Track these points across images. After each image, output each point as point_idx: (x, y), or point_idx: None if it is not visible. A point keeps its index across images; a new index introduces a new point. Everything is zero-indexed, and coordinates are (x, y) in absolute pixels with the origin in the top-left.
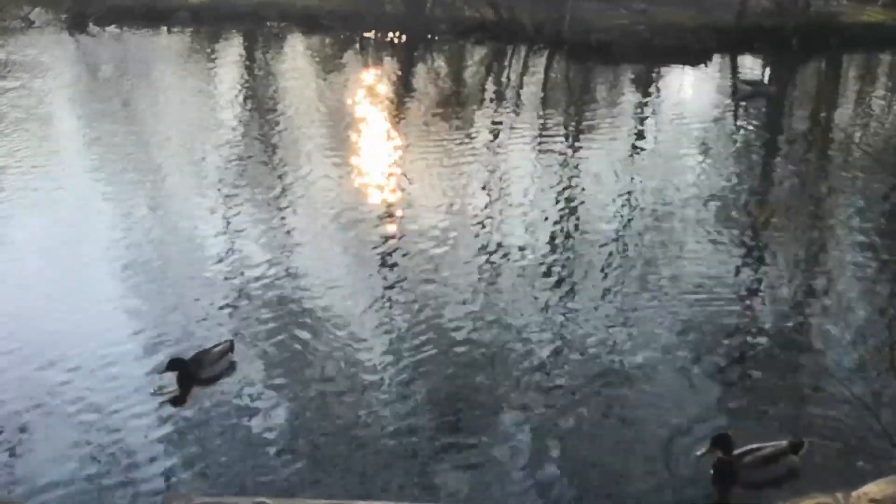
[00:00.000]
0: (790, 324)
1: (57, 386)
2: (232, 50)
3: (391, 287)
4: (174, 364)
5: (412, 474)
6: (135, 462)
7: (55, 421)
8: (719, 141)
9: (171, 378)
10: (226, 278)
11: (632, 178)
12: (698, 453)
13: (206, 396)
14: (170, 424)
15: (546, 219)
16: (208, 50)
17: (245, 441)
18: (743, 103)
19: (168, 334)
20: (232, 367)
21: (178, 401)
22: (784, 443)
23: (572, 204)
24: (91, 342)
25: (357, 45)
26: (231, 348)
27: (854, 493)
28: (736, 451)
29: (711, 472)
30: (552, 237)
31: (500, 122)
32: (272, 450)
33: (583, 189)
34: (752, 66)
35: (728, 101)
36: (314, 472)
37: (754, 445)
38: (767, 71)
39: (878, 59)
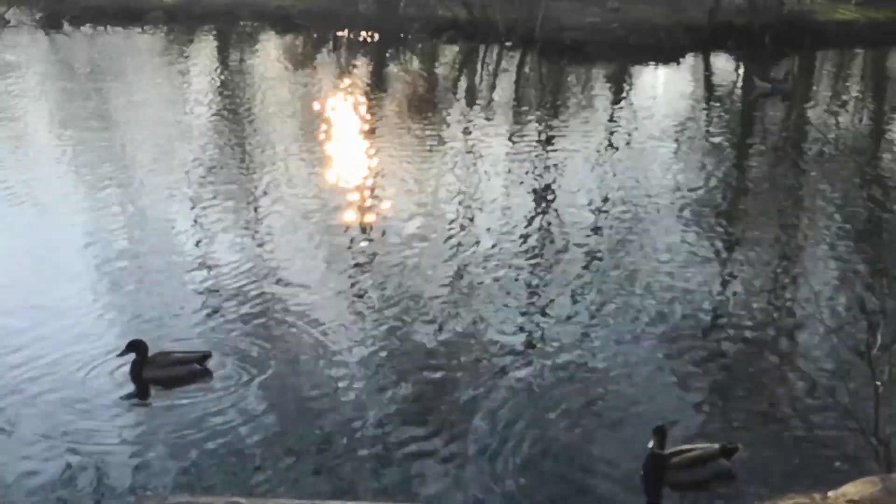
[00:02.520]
0: (765, 322)
1: (27, 385)
2: (205, 49)
3: (364, 286)
4: (132, 346)
5: (386, 475)
6: (107, 461)
7: (26, 420)
8: (692, 138)
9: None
10: (200, 279)
11: (605, 176)
12: (649, 446)
13: (181, 396)
14: (143, 424)
15: (519, 217)
16: (182, 49)
17: (219, 441)
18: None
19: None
20: (194, 375)
21: (133, 395)
22: (715, 446)
23: (545, 202)
24: (64, 343)
25: (330, 45)
26: (203, 359)
27: (832, 494)
28: (667, 451)
29: (642, 470)
30: (525, 235)
31: (473, 121)
32: (247, 451)
33: (556, 187)
34: (723, 64)
35: (700, 98)
36: (289, 473)
37: (685, 446)
38: (785, 68)
39: (851, 57)
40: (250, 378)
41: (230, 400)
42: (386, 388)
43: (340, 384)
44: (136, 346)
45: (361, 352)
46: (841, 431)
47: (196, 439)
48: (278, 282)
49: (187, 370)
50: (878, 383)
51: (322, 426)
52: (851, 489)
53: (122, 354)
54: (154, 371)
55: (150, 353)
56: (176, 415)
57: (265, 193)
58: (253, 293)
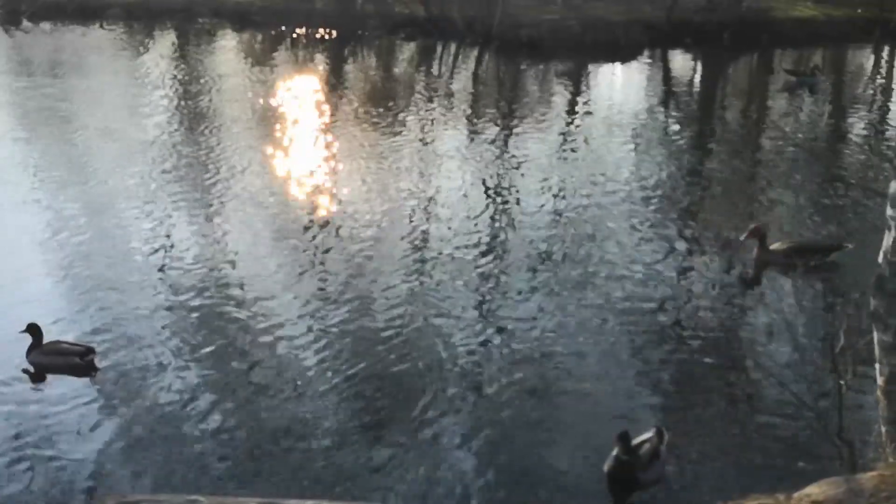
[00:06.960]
0: (726, 320)
1: None
2: (164, 46)
3: (321, 280)
4: (28, 328)
5: (342, 470)
6: (60, 456)
7: None
8: (650, 136)
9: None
10: (152, 270)
11: (562, 173)
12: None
13: (129, 389)
14: (92, 416)
15: (477, 213)
16: (141, 46)
17: (175, 437)
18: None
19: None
20: (72, 368)
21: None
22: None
23: (503, 199)
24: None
25: (288, 42)
26: (84, 354)
27: (796, 495)
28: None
29: (606, 475)
30: (483, 231)
31: (431, 118)
32: (204, 447)
33: (513, 183)
34: (681, 62)
35: (658, 96)
36: (247, 470)
37: (635, 441)
38: (813, 62)
39: (810, 55)
40: (204, 369)
41: (186, 392)
42: (340, 384)
43: (296, 379)
44: (30, 329)
45: (316, 343)
46: (805, 431)
47: (153, 435)
48: (232, 277)
49: (64, 361)
50: (842, 382)
51: (274, 421)
52: (815, 490)
53: (22, 332)
54: (38, 357)
55: (47, 339)
56: (127, 413)
57: (221, 190)
58: (206, 289)
